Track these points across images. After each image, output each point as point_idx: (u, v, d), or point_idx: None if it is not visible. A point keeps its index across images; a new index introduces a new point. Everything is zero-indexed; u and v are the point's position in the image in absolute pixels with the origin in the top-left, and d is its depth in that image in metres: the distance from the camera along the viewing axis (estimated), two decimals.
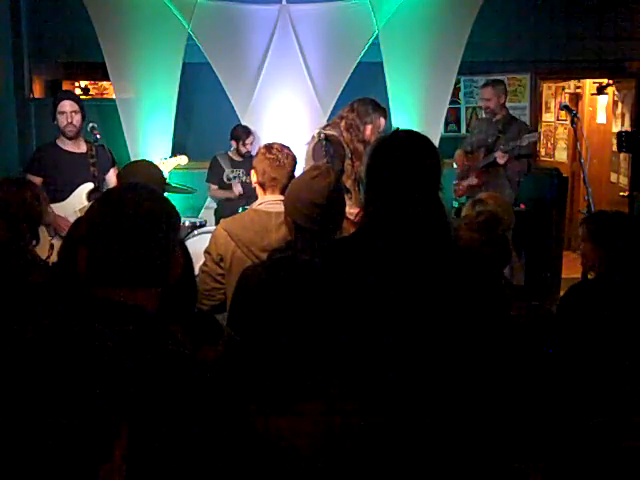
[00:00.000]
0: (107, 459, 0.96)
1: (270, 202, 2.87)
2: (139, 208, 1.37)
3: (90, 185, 4.44)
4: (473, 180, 5.45)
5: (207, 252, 2.88)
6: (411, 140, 1.96)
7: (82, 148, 4.49)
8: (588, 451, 1.06)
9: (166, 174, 5.34)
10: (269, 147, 2.96)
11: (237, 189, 5.96)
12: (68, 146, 4.56)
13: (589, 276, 2.76)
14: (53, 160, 4.54)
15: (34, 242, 2.90)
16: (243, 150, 6.10)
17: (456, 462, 1.65)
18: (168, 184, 3.36)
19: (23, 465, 0.94)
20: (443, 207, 1.91)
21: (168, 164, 5.53)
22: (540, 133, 5.33)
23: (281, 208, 2.83)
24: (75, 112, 4.51)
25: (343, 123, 4.24)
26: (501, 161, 5.26)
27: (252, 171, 3.01)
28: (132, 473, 1.05)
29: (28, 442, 0.94)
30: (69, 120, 4.47)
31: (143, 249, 1.36)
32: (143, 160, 3.57)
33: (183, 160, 5.72)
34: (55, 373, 0.98)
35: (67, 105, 4.51)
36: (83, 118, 4.59)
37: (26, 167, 4.65)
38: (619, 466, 1.01)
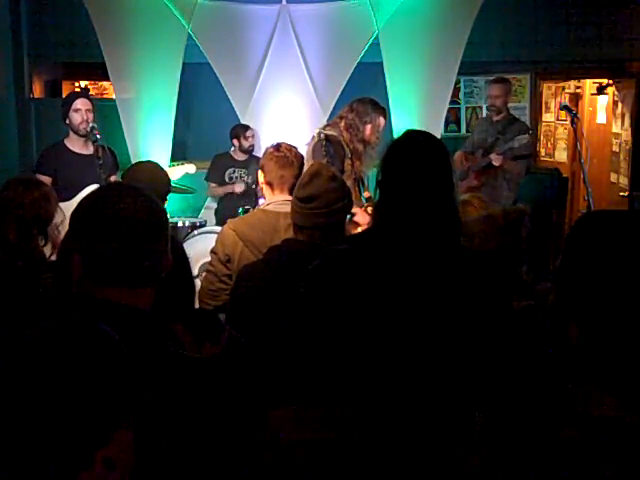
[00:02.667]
0: (87, 465, 0.95)
1: (279, 202, 2.85)
2: (125, 208, 1.36)
3: (96, 186, 4.44)
4: (472, 181, 5.46)
5: (213, 252, 2.84)
6: (425, 141, 1.96)
7: (89, 149, 4.50)
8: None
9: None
10: (277, 146, 2.96)
11: (239, 188, 5.92)
12: (76, 147, 4.57)
13: None
14: (60, 160, 4.56)
15: (42, 242, 2.90)
16: (246, 144, 6.10)
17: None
18: (170, 182, 3.34)
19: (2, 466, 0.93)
20: (456, 209, 1.91)
21: (176, 172, 5.52)
22: (532, 134, 5.33)
23: (289, 208, 2.81)
24: (89, 110, 4.55)
25: (343, 123, 4.22)
26: (496, 163, 5.27)
27: (259, 172, 2.99)
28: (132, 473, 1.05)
29: (6, 443, 0.94)
30: (84, 118, 4.50)
31: (132, 249, 1.35)
32: (148, 161, 3.56)
33: (191, 169, 5.71)
34: (39, 376, 0.97)
35: (82, 103, 4.54)
36: (95, 114, 4.62)
37: (35, 167, 4.66)
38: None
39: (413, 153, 1.91)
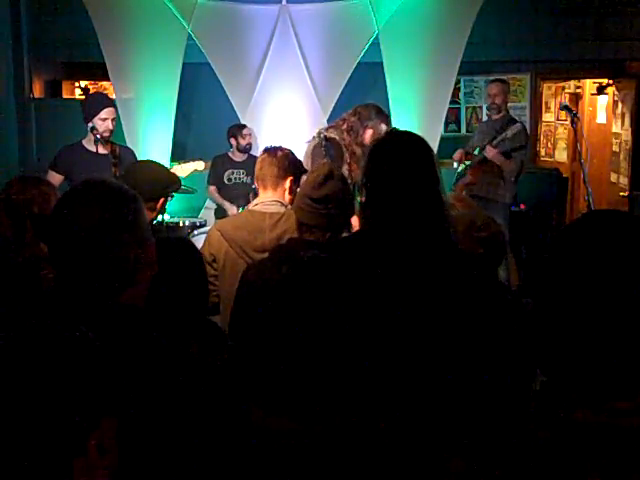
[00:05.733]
0: (81, 453, 0.97)
1: (266, 203, 2.87)
2: (71, 219, 1.36)
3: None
4: (467, 178, 5.48)
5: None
6: (406, 140, 1.97)
7: (106, 149, 4.50)
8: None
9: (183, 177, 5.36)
10: (267, 148, 2.99)
11: (232, 211, 5.89)
12: (93, 147, 4.58)
13: None
14: (76, 159, 4.59)
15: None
16: (243, 143, 6.12)
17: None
18: (176, 184, 3.31)
19: None
20: (443, 205, 1.91)
21: (185, 169, 5.52)
22: (523, 123, 5.46)
23: (276, 209, 2.83)
24: (113, 119, 4.59)
25: (344, 126, 4.21)
26: (489, 155, 5.31)
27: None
28: (124, 467, 1.06)
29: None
30: (108, 127, 4.52)
31: (94, 257, 1.35)
32: (148, 161, 3.56)
33: (200, 166, 5.71)
34: (27, 368, 0.99)
35: (108, 113, 4.55)
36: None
37: (50, 164, 4.68)
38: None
39: (396, 153, 1.92)
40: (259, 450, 1.42)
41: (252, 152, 6.12)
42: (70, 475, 0.95)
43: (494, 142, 5.31)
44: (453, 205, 2.93)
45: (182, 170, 5.43)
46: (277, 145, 3.02)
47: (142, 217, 1.45)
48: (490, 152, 5.31)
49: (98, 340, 1.05)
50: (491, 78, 5.94)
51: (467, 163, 5.54)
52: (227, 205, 5.99)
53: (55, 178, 4.44)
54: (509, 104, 5.89)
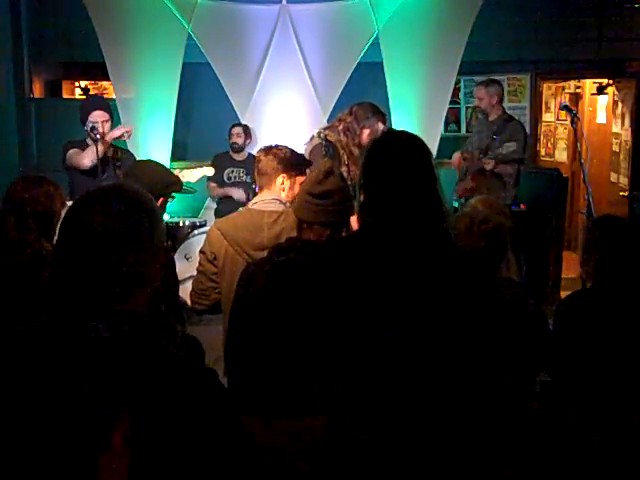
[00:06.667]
0: (106, 447, 0.97)
1: (265, 201, 2.88)
2: (91, 223, 1.34)
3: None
4: (468, 183, 5.47)
5: (202, 252, 2.89)
6: (403, 140, 1.98)
7: (109, 151, 4.49)
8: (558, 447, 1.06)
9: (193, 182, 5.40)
10: (262, 148, 3.00)
11: (237, 194, 5.94)
12: (94, 147, 4.57)
13: (587, 284, 2.72)
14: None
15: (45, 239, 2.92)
16: (230, 142, 6.20)
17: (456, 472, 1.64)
18: (176, 185, 3.29)
19: (23, 453, 0.95)
20: (441, 204, 1.91)
21: (195, 175, 5.54)
22: (520, 122, 5.42)
23: (274, 207, 2.84)
24: (105, 121, 4.54)
25: (341, 126, 4.19)
26: (488, 167, 5.31)
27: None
28: (133, 467, 1.06)
29: (28, 431, 0.95)
30: (100, 130, 4.48)
31: (99, 264, 1.33)
32: (148, 160, 3.56)
33: (209, 171, 5.73)
34: (54, 364, 0.99)
35: (98, 116, 4.53)
36: (112, 121, 4.62)
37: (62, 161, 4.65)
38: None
39: (393, 152, 1.92)
40: (260, 466, 1.42)
41: (252, 152, 6.13)
42: (95, 470, 0.96)
43: (491, 155, 5.31)
44: (474, 206, 2.93)
45: (192, 175, 5.46)
46: (273, 144, 3.01)
47: (154, 228, 1.41)
48: (488, 165, 5.32)
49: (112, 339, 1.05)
50: (487, 78, 5.85)
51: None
52: (233, 191, 6.01)
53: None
54: (509, 104, 5.87)
